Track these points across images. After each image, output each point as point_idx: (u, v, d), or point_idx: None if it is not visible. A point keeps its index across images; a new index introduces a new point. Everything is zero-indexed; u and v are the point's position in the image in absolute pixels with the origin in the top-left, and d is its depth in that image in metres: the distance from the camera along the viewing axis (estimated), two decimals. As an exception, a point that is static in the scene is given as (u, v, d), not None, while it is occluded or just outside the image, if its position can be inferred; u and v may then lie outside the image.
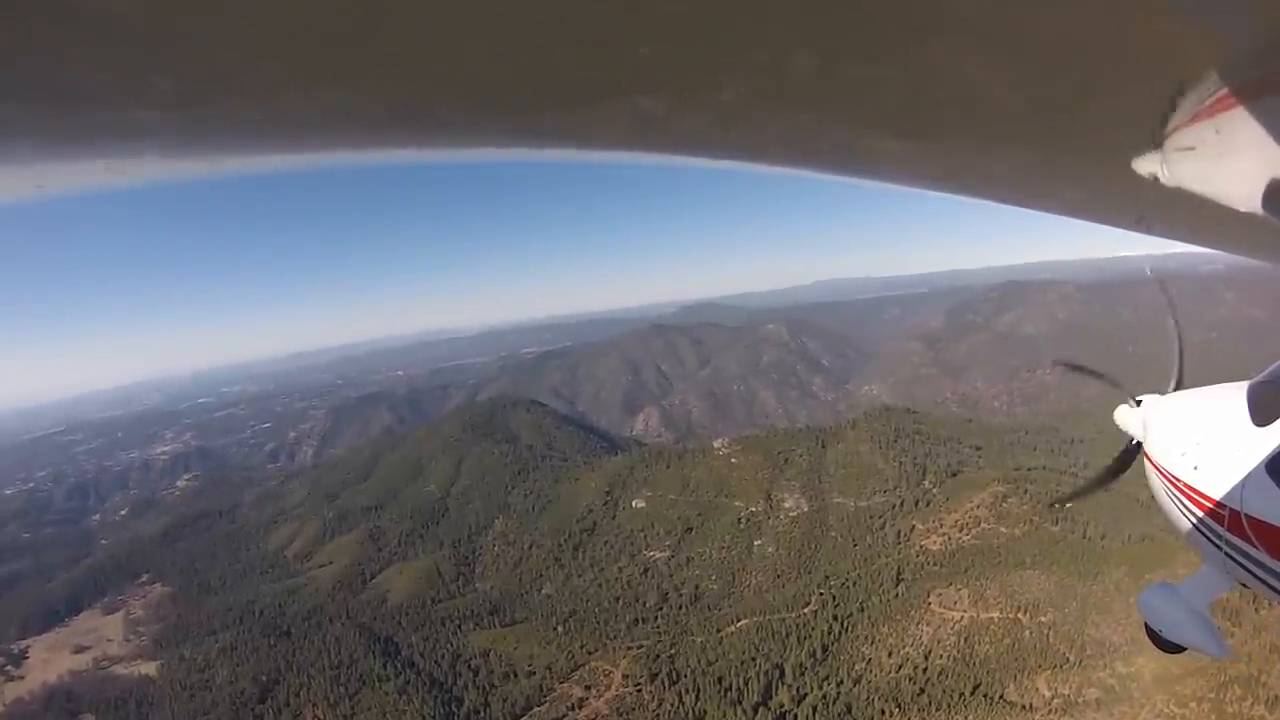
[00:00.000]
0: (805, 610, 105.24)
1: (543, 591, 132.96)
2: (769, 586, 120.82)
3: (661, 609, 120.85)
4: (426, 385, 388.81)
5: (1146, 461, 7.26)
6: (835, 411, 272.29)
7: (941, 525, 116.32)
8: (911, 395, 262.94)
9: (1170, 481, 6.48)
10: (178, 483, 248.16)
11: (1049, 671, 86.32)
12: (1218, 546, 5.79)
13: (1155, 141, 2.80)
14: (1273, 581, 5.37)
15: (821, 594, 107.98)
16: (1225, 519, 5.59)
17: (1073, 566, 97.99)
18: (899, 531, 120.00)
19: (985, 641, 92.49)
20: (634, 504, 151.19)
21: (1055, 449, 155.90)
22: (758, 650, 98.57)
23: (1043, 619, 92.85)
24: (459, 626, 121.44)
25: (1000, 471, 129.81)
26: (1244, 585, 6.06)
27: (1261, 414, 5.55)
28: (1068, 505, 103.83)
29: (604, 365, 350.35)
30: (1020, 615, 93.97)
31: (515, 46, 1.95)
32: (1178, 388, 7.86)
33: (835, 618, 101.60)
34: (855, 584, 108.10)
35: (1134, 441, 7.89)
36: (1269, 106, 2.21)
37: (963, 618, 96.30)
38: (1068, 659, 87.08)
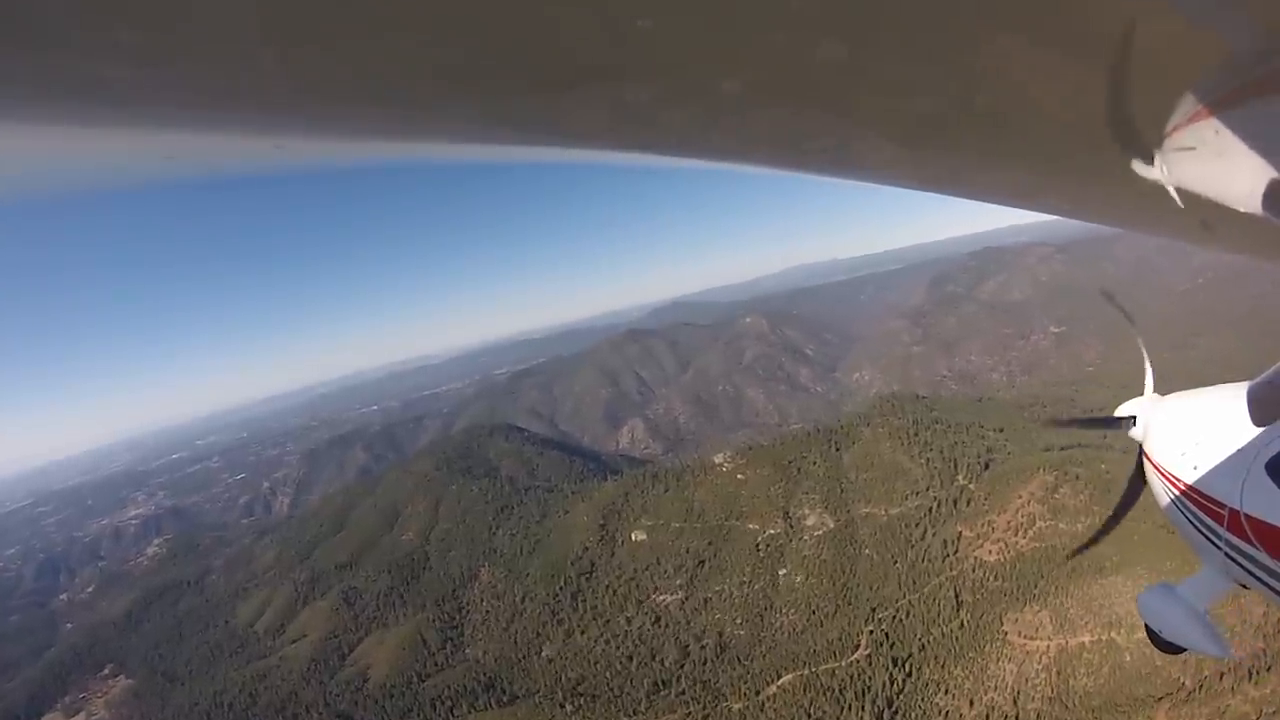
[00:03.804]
0: (856, 656, 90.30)
1: (543, 654, 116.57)
2: (805, 626, 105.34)
3: (684, 666, 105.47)
4: (400, 418, 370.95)
5: (1147, 462, 7.06)
6: (829, 402, 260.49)
7: (993, 530, 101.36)
8: (906, 377, 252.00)
9: (1170, 481, 6.38)
10: (148, 549, 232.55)
11: (1167, 704, 72.26)
12: (1217, 546, 5.71)
13: (1155, 141, 2.84)
14: (1272, 581, 5.31)
15: (871, 631, 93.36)
16: (1225, 519, 5.54)
17: (1158, 564, 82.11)
18: (945, 541, 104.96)
19: (1081, 673, 78.37)
20: (634, 536, 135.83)
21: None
22: (809, 715, 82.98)
23: (1141, 637, 77.55)
24: (451, 709, 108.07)
25: (1036, 457, 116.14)
26: (1243, 585, 5.95)
27: (1261, 414, 5.48)
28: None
29: (580, 378, 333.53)
30: (1115, 635, 79.80)
31: (492, 15, 1.76)
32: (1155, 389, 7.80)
33: (894, 662, 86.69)
34: (909, 615, 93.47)
35: (1140, 460, 7.47)
36: (1269, 106, 2.22)
37: (1048, 646, 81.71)
38: (1183, 685, 73.05)
